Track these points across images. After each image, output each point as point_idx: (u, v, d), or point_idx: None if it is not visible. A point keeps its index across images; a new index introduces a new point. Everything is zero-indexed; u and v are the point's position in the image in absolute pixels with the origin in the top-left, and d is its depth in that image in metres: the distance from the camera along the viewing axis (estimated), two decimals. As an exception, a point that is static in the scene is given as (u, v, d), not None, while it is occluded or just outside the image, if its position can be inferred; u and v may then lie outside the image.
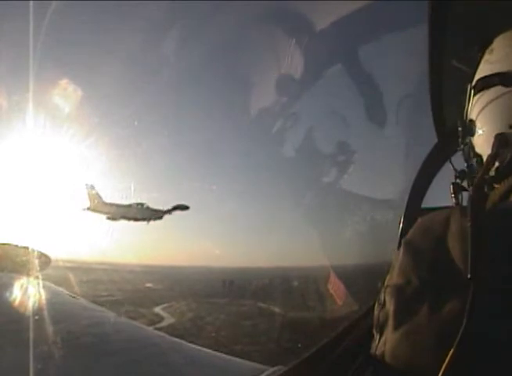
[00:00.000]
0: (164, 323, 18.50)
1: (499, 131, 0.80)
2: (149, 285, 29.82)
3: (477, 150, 0.88)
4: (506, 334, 0.53)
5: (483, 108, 0.84)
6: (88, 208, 21.06)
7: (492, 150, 0.79)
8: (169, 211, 23.50)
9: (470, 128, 0.88)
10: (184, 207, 24.78)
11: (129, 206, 22.21)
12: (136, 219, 22.45)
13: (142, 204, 22.44)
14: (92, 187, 20.85)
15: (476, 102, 0.87)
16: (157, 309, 22.89)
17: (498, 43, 0.86)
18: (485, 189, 0.80)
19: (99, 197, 20.88)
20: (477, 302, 0.53)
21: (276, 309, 22.23)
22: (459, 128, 0.94)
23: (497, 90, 0.81)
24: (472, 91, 0.88)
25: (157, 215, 23.00)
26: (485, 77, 0.85)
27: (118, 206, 21.96)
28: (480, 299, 0.53)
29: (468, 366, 0.53)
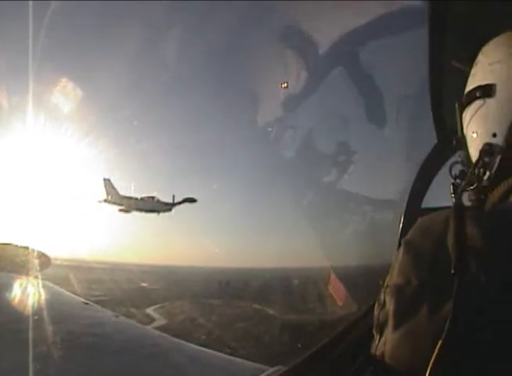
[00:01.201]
0: (154, 325, 18.20)
1: (485, 141, 0.85)
2: (144, 285, 29.89)
3: (472, 159, 0.92)
4: (502, 331, 0.53)
5: (469, 121, 0.91)
6: (105, 200, 23.08)
7: (479, 157, 0.85)
8: (178, 204, 24.85)
9: (461, 143, 0.95)
10: (192, 200, 26.06)
11: (142, 199, 24.09)
12: (148, 211, 24.27)
13: (153, 197, 24.41)
14: (109, 181, 22.82)
15: (465, 116, 0.93)
16: (149, 310, 22.76)
17: (481, 55, 0.92)
18: (480, 195, 0.86)
19: (115, 190, 22.85)
20: (469, 301, 0.54)
21: (271, 312, 22.14)
22: (454, 142, 0.99)
23: (478, 103, 0.88)
24: (460, 107, 0.94)
25: (167, 207, 24.56)
26: (469, 91, 0.91)
27: (132, 198, 23.82)
28: (470, 297, 0.54)
29: (454, 364, 0.54)
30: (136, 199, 23.84)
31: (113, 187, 22.69)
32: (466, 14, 1.05)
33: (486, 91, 0.86)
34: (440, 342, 0.53)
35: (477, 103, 0.88)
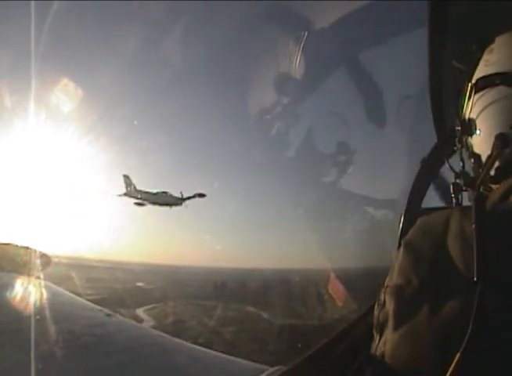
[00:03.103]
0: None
1: (500, 131, 0.79)
2: (139, 284, 30.22)
3: (476, 149, 0.88)
4: (507, 334, 0.53)
5: (484, 107, 0.84)
6: (125, 194, 25.88)
7: (493, 149, 0.79)
8: (189, 198, 27.15)
9: (469, 127, 0.88)
10: (201, 195, 28.35)
11: (156, 193, 26.70)
12: (162, 204, 26.79)
13: (166, 192, 26.97)
14: (128, 177, 25.70)
15: (476, 101, 0.86)
16: (139, 311, 22.66)
17: (498, 43, 0.87)
18: (482, 190, 0.80)
19: (134, 185, 25.58)
20: (482, 303, 0.53)
21: (265, 315, 21.92)
22: (457, 128, 0.93)
23: (499, 90, 0.81)
24: (472, 90, 0.87)
25: (179, 201, 26.95)
26: (486, 76, 0.84)
27: (148, 193, 26.43)
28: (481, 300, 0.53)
29: (474, 367, 0.53)
30: (152, 193, 26.35)
31: (132, 182, 25.58)
32: (466, 14, 1.05)
33: (509, 78, 0.79)
34: (462, 346, 0.52)
35: (495, 91, 0.82)
